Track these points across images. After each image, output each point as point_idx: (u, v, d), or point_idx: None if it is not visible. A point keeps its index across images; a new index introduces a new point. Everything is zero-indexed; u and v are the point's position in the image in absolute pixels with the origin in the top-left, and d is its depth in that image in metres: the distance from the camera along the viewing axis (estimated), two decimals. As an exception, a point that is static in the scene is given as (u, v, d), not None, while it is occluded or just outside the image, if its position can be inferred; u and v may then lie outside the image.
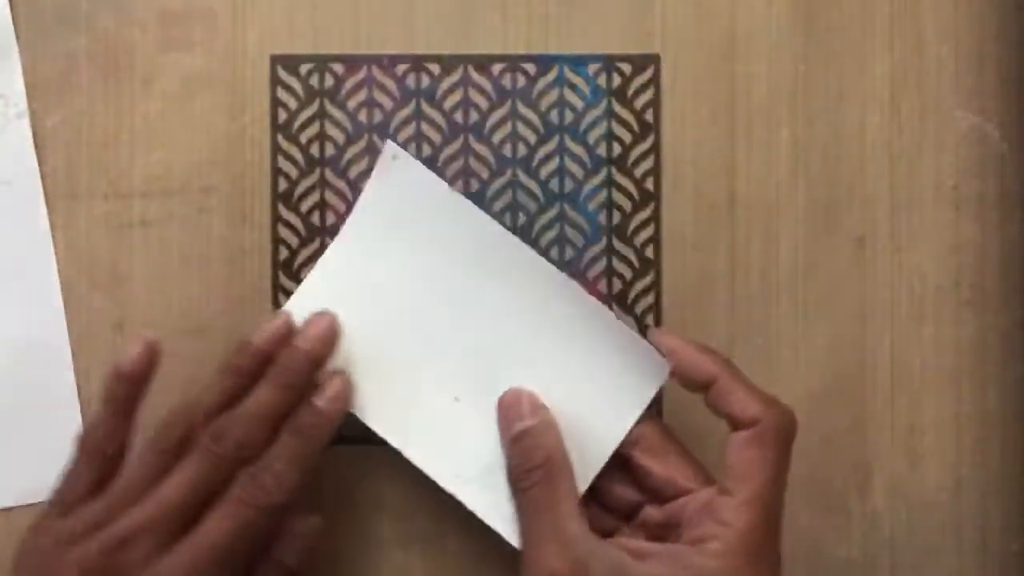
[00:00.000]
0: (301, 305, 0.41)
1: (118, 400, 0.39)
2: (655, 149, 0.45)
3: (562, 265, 0.45)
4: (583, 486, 0.40)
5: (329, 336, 0.40)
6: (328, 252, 0.43)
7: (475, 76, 0.45)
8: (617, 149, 0.45)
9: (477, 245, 0.42)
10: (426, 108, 0.45)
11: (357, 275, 0.43)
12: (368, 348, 0.42)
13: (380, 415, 0.42)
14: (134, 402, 0.39)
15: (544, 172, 0.45)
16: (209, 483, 0.38)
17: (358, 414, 0.42)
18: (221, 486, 0.38)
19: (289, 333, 0.40)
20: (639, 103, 0.45)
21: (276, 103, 0.45)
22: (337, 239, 0.43)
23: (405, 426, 0.42)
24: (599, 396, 0.41)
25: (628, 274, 0.45)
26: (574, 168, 0.45)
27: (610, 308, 0.45)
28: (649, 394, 0.41)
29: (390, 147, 0.43)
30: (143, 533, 0.38)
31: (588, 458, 0.40)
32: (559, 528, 0.38)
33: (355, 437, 0.42)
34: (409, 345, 0.42)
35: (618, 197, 0.45)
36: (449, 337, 0.42)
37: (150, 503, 0.38)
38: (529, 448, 0.39)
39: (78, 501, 0.39)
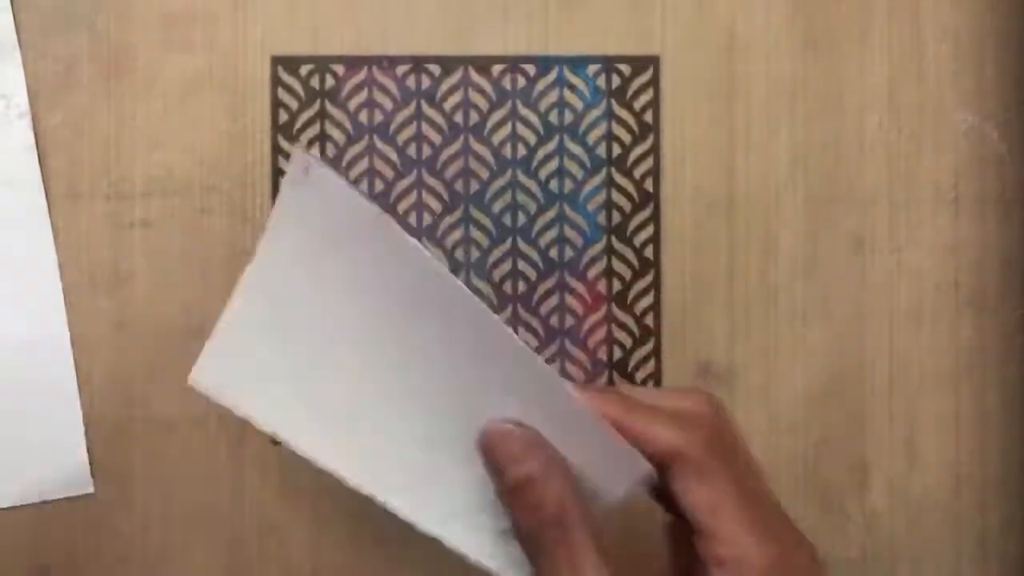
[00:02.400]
0: (218, 363, 0.36)
1: None
2: (654, 150, 0.45)
3: (562, 265, 0.45)
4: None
5: None
6: (237, 301, 0.36)
7: (475, 77, 0.45)
8: (617, 150, 0.45)
9: (413, 279, 0.34)
10: (426, 109, 0.45)
11: (281, 319, 0.36)
12: (325, 394, 0.35)
13: (352, 467, 0.35)
14: None
15: (544, 173, 0.45)
16: None
17: (330, 469, 0.35)
18: None
19: None
20: (639, 104, 0.45)
21: (277, 104, 0.45)
22: (243, 286, 0.36)
23: (380, 475, 0.36)
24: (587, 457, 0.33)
25: (628, 274, 0.45)
26: (574, 168, 0.45)
27: (609, 309, 0.45)
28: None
29: (299, 158, 0.33)
30: None
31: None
32: None
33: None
34: (364, 389, 0.35)
35: (617, 197, 0.45)
36: (402, 377, 0.35)
37: None
38: (535, 500, 0.32)
39: None
